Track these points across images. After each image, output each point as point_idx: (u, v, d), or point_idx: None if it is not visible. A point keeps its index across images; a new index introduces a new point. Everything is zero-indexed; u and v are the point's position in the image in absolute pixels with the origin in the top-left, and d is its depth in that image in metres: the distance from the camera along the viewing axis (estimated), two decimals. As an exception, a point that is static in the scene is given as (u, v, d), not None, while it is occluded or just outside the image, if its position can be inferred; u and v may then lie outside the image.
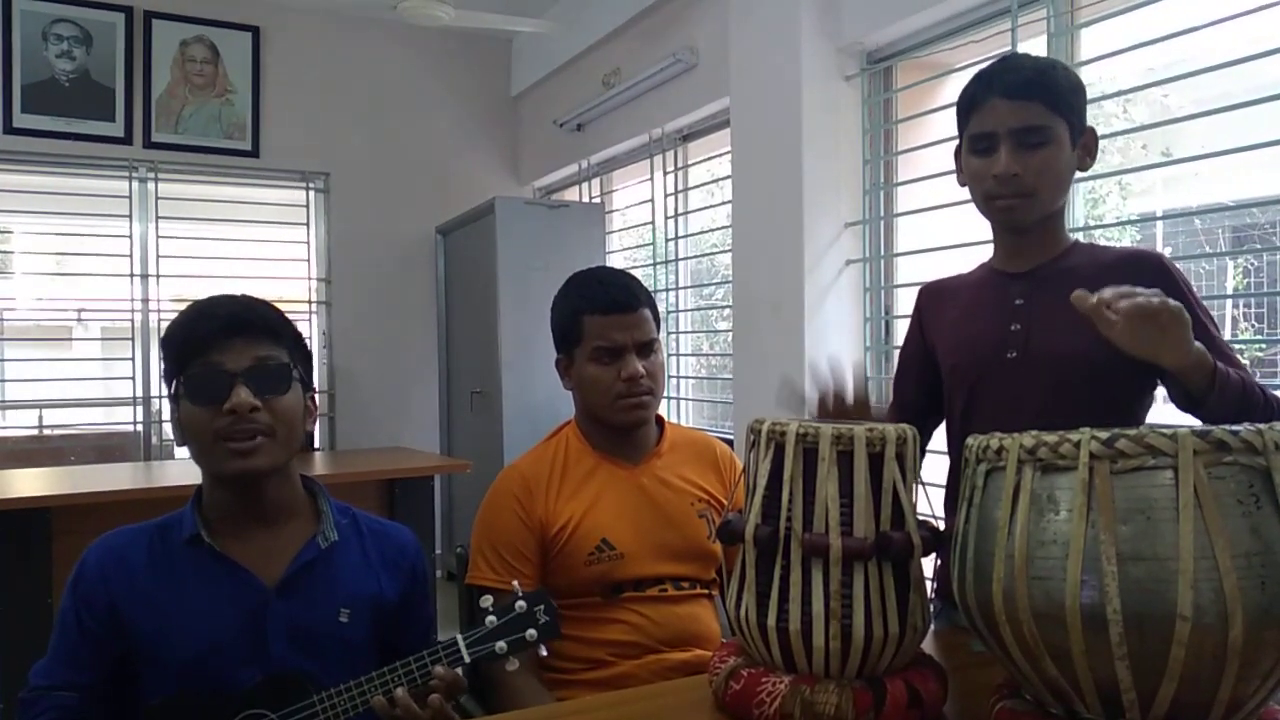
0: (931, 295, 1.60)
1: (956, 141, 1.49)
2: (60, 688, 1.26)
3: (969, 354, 1.47)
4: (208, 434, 1.24)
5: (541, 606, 1.27)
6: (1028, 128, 1.33)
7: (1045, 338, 1.38)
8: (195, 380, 1.24)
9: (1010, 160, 1.33)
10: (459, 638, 1.25)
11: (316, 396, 1.40)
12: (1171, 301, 1.10)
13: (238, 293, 1.34)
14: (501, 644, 1.24)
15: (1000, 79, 1.36)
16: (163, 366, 1.31)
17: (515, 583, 1.33)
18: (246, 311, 1.29)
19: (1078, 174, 1.44)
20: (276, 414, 1.26)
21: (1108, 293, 1.11)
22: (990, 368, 1.43)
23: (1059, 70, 1.38)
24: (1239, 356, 1.35)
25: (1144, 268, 1.34)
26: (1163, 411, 1.41)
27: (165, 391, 1.31)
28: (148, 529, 1.32)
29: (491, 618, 1.26)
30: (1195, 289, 1.40)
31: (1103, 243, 2.15)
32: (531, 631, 1.25)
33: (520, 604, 1.26)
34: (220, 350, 1.25)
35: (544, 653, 1.29)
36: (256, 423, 1.24)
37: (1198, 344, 1.16)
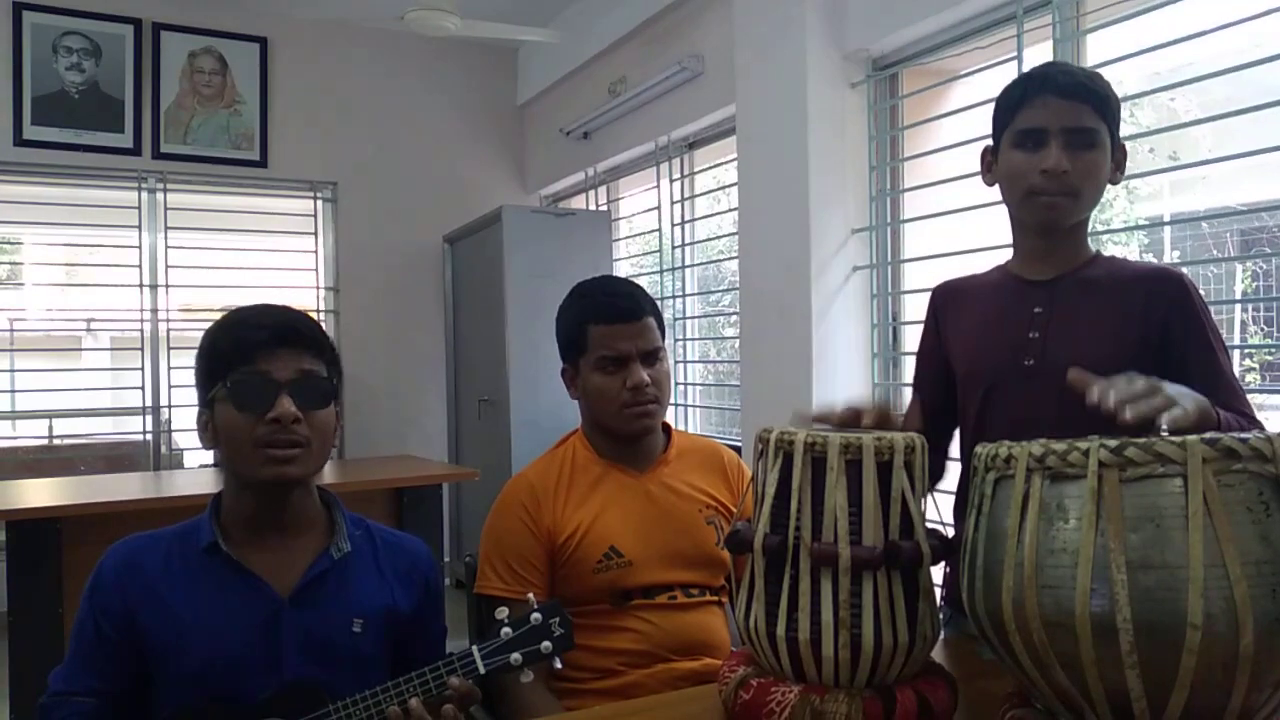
0: (948, 295, 1.59)
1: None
2: (79, 694, 1.27)
3: (984, 360, 1.46)
4: (247, 441, 1.24)
5: (556, 619, 1.27)
6: (1080, 128, 1.33)
7: (1063, 347, 1.37)
8: (240, 387, 1.25)
9: (1061, 156, 1.33)
10: (474, 649, 1.25)
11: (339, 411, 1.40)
12: (1165, 394, 1.05)
13: (275, 303, 1.35)
14: (517, 656, 1.24)
15: (1054, 79, 1.36)
16: (199, 369, 1.30)
17: (530, 595, 1.33)
18: (295, 323, 1.30)
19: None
20: (315, 427, 1.27)
21: (1110, 398, 1.04)
22: (1005, 375, 1.42)
23: (1103, 81, 1.39)
24: (1244, 378, 1.34)
25: (1165, 287, 1.34)
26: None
27: (197, 394, 1.31)
28: (165, 536, 1.33)
29: (506, 629, 1.26)
30: (1205, 295, 1.39)
31: (1114, 249, 2.15)
32: (547, 644, 1.25)
33: (535, 616, 1.26)
34: (267, 359, 1.25)
35: (559, 665, 1.29)
36: (297, 434, 1.25)
37: (1198, 399, 1.13)
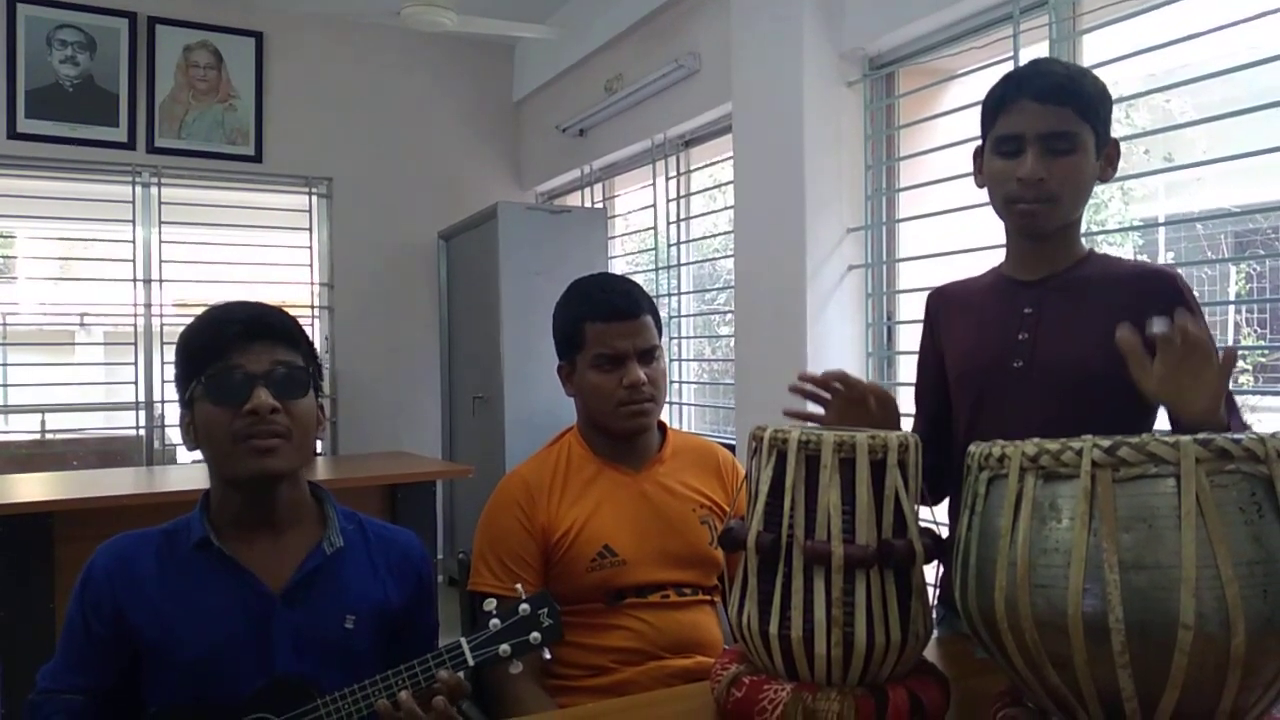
0: (941, 300, 1.58)
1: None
2: (67, 691, 1.26)
3: (975, 362, 1.46)
4: (226, 435, 1.24)
5: (545, 609, 1.27)
6: (1056, 133, 1.31)
7: (1052, 347, 1.37)
8: (215, 381, 1.25)
9: (1036, 164, 1.32)
10: (463, 641, 1.25)
11: (325, 404, 1.40)
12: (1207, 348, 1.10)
13: (250, 299, 1.34)
14: (505, 647, 1.24)
15: (1031, 82, 1.34)
16: (177, 370, 1.30)
17: (518, 586, 1.33)
18: (266, 316, 1.30)
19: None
20: (294, 417, 1.27)
21: (1158, 326, 1.10)
22: (996, 377, 1.41)
23: (1089, 78, 1.36)
24: (1237, 380, 1.35)
25: (1158, 286, 1.33)
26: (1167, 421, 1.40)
27: (178, 396, 1.31)
28: (155, 535, 1.33)
29: (495, 621, 1.26)
30: (1198, 296, 1.39)
31: (1109, 250, 2.15)
32: (535, 635, 1.25)
33: (524, 607, 1.26)
34: (241, 353, 1.26)
35: (548, 656, 1.29)
36: (275, 424, 1.25)
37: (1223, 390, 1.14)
